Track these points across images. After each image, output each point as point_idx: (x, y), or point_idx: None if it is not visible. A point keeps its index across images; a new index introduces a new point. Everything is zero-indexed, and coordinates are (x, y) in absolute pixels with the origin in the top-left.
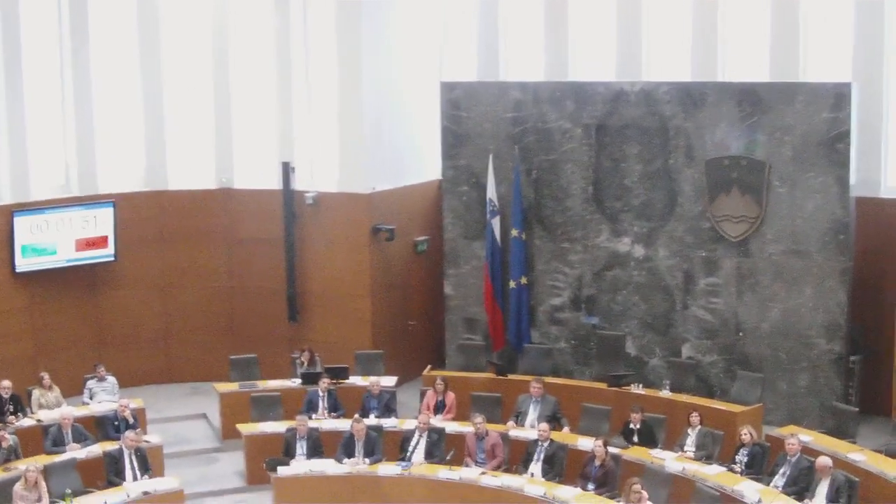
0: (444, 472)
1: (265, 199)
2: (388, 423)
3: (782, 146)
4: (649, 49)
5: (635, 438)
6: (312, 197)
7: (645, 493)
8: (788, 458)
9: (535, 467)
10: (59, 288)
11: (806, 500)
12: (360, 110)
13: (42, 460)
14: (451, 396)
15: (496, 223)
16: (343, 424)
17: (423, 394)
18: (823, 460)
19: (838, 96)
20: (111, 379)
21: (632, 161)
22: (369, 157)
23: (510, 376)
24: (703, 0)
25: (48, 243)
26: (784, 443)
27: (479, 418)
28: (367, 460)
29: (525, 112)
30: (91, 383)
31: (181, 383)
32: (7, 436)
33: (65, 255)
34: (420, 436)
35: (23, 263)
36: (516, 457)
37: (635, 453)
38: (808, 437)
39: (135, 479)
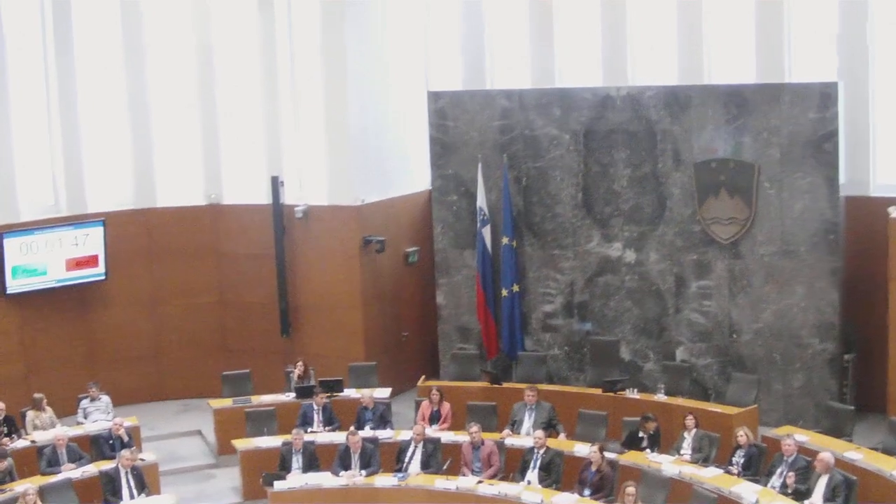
0: (440, 482)
1: (254, 213)
2: (384, 434)
3: (770, 147)
4: (634, 54)
5: (644, 444)
6: (302, 210)
7: (638, 496)
8: (785, 458)
9: (532, 475)
10: (50, 308)
11: (805, 501)
12: (347, 122)
13: (38, 481)
14: (446, 406)
15: (487, 232)
16: (339, 437)
17: (418, 404)
18: (825, 456)
19: (824, 96)
20: (105, 398)
21: (620, 166)
22: (358, 169)
23: (505, 384)
24: (687, 3)
25: (38, 264)
26: (780, 443)
27: (474, 427)
28: (363, 472)
29: (512, 120)
30: (85, 403)
31: (174, 400)
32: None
33: (55, 275)
34: (416, 446)
35: (13, 285)
36: (513, 465)
37: (632, 458)
38: (804, 437)
39: (132, 497)
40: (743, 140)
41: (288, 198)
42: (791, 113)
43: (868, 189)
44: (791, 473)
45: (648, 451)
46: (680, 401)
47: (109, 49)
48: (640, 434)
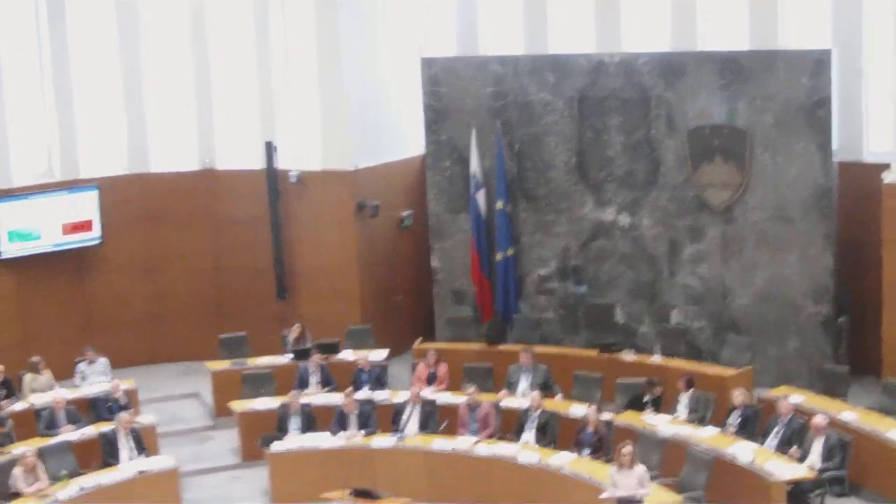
0: (437, 443)
1: (249, 178)
2: (380, 396)
3: (763, 114)
4: (628, 20)
5: (649, 408)
6: (296, 175)
7: (636, 455)
8: (781, 418)
9: (528, 436)
10: (46, 273)
11: (804, 463)
12: (341, 88)
13: (36, 443)
14: (442, 368)
15: (480, 196)
16: (335, 399)
17: (414, 366)
18: (819, 419)
19: (818, 63)
20: (102, 360)
21: (614, 132)
22: (352, 135)
23: (501, 347)
24: None
25: (33, 228)
26: (776, 404)
27: (471, 388)
28: (361, 432)
29: (506, 86)
30: (82, 366)
31: (171, 363)
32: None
33: (50, 239)
34: (413, 408)
35: (9, 249)
36: (509, 426)
37: (628, 419)
38: (799, 397)
39: (130, 459)
40: (737, 106)
41: (282, 163)
42: (785, 79)
43: (861, 154)
44: (795, 449)
45: (648, 411)
46: (676, 362)
47: (103, 14)
48: (646, 398)
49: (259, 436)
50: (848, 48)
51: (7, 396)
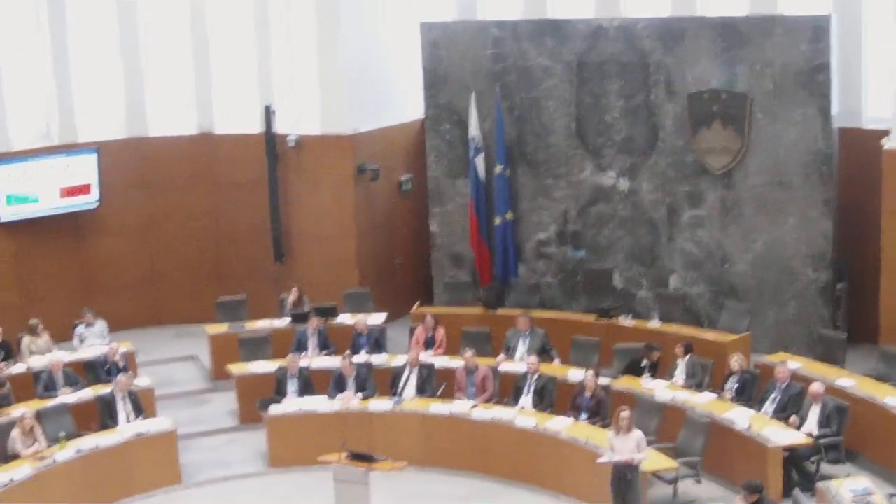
0: (435, 407)
1: (247, 142)
2: (378, 359)
3: (763, 79)
4: None
5: (647, 373)
6: (295, 139)
7: (633, 420)
8: (778, 384)
9: (525, 400)
10: (44, 236)
11: (801, 429)
12: (340, 51)
13: (34, 406)
14: (440, 332)
15: (480, 160)
16: (333, 362)
17: (412, 330)
18: (816, 386)
19: (817, 28)
20: (101, 323)
21: (613, 97)
22: (350, 98)
23: (499, 311)
24: None
25: (31, 192)
26: (774, 370)
27: (468, 352)
28: (359, 396)
29: (505, 50)
30: (80, 329)
31: (169, 326)
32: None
33: (49, 203)
34: (410, 371)
35: (7, 212)
36: (506, 390)
37: (626, 384)
38: (797, 363)
39: (128, 421)
40: (736, 71)
41: (280, 127)
42: (784, 45)
43: (861, 120)
44: (794, 417)
45: (646, 377)
46: (674, 328)
47: None
48: (644, 363)
49: (257, 399)
50: (847, 14)
51: (5, 359)
